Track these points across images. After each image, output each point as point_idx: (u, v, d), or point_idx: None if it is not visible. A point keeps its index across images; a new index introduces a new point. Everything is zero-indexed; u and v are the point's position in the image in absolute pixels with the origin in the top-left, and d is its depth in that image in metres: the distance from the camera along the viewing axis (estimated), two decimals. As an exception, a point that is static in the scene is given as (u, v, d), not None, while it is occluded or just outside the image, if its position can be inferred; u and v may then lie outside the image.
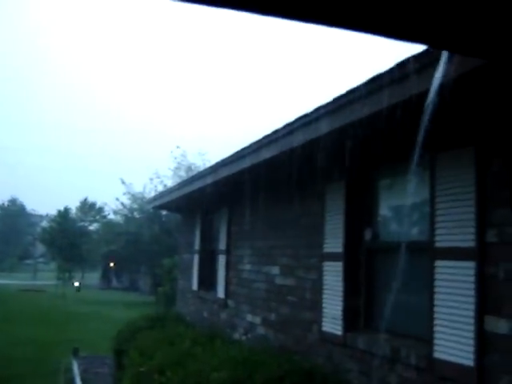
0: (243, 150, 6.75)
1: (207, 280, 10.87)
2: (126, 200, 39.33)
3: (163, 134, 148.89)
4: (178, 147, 34.28)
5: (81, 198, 69.98)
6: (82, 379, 10.51)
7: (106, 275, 54.70)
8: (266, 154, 6.06)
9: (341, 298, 5.48)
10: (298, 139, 5.23)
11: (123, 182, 37.72)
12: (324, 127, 4.71)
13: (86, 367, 11.63)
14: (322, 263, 5.92)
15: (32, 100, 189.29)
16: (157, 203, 13.58)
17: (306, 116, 4.99)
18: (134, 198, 38.15)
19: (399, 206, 5.16)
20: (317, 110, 4.79)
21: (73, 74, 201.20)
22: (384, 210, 5.59)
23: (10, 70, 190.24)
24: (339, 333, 5.40)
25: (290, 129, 5.36)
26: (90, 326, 19.12)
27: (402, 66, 3.49)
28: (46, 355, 13.35)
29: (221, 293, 9.61)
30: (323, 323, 5.74)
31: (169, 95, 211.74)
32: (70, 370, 11.50)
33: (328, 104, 4.55)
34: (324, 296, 5.81)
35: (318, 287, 5.96)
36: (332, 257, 5.73)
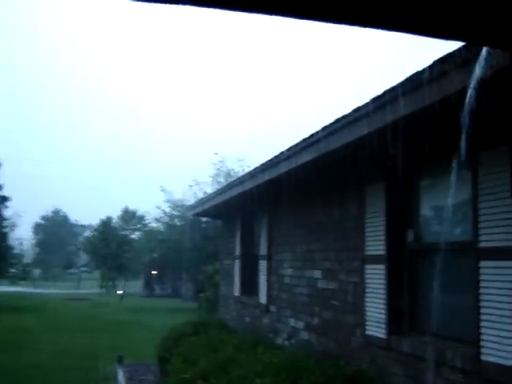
0: (281, 154, 6.73)
1: (249, 285, 10.86)
2: (166, 208, 39.62)
3: (202, 141, 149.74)
4: (216, 154, 34.45)
5: (122, 207, 70.65)
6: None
7: (148, 283, 55.08)
8: (305, 157, 6.02)
9: (384, 301, 5.41)
10: (337, 141, 5.20)
11: (163, 190, 38.03)
12: (363, 128, 4.66)
13: (131, 375, 11.71)
14: (364, 266, 5.86)
15: (69, 112, 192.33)
16: (197, 210, 13.65)
17: (344, 117, 4.96)
18: (174, 205, 38.39)
19: (441, 206, 5.08)
20: (356, 110, 4.75)
21: (108, 84, 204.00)
22: (426, 211, 5.51)
23: (44, 82, 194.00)
24: (383, 336, 5.33)
25: (328, 131, 5.32)
26: (134, 334, 19.28)
27: (441, 62, 3.42)
28: (92, 363, 13.48)
29: (263, 298, 9.59)
30: (367, 327, 5.68)
31: (206, 101, 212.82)
32: (114, 377, 11.61)
33: (367, 104, 4.50)
34: (367, 299, 5.75)
35: (360, 290, 5.90)
36: (374, 259, 5.67)
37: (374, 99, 4.35)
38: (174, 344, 8.93)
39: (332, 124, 5.21)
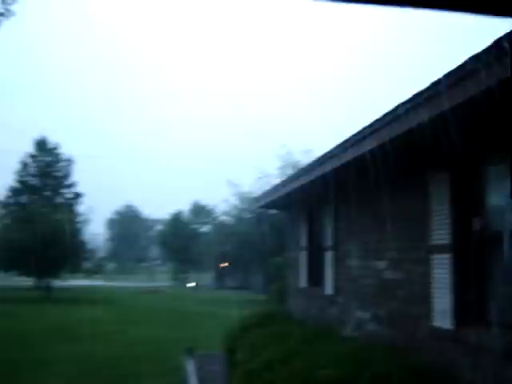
0: (344, 143, 6.65)
1: (315, 276, 10.79)
2: (234, 201, 39.92)
3: (269, 133, 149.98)
4: (283, 146, 34.43)
5: (192, 201, 71.70)
6: (197, 377, 10.72)
7: (219, 275, 55.70)
8: (368, 145, 5.92)
9: (450, 292, 5.27)
10: (399, 129, 5.08)
11: (231, 183, 38.30)
12: (425, 114, 4.53)
13: (201, 365, 11.82)
14: (430, 256, 5.72)
15: (139, 109, 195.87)
16: (262, 202, 13.65)
17: (406, 103, 4.83)
18: (242, 198, 38.63)
19: (508, 193, 4.90)
20: (417, 95, 4.62)
21: (173, 79, 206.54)
22: (492, 199, 5.32)
23: (114, 80, 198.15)
24: (450, 327, 5.19)
25: (390, 118, 5.21)
26: (204, 325, 19.50)
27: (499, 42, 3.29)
28: (162, 354, 13.72)
29: (329, 289, 9.52)
30: (433, 318, 5.55)
31: (273, 93, 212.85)
32: (185, 368, 11.76)
33: (428, 89, 4.37)
34: (433, 290, 5.61)
35: (426, 281, 5.76)
36: (440, 249, 5.52)
37: (433, 84, 4.22)
38: (240, 335, 8.97)
39: (393, 110, 5.09)
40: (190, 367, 11.69)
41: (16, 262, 34.01)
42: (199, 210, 69.73)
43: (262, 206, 15.92)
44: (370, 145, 5.83)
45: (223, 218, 46.89)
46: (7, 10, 15.13)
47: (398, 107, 5.00)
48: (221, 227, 45.73)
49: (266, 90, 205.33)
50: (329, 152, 7.49)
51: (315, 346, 6.13)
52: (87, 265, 37.48)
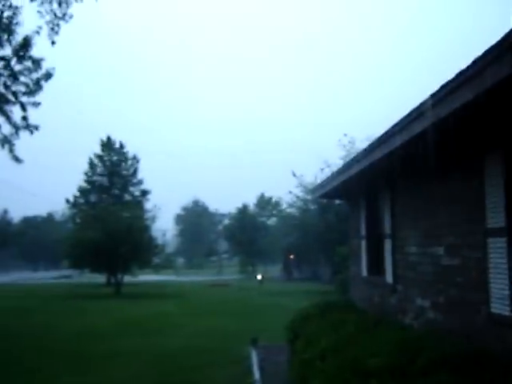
0: (393, 127, 6.48)
1: (375, 265, 10.63)
2: (299, 192, 39.83)
3: (331, 123, 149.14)
4: (345, 135, 34.13)
5: (258, 194, 72.00)
6: (260, 367, 10.73)
7: (286, 267, 55.76)
8: (417, 128, 5.75)
9: (508, 277, 5.06)
10: (446, 109, 4.90)
11: (295, 175, 38.20)
12: (470, 93, 4.35)
13: (265, 356, 11.83)
14: (486, 240, 5.51)
15: (203, 105, 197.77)
16: (321, 192, 13.52)
17: (450, 82, 4.66)
18: (306, 189, 38.49)
19: None
20: (460, 73, 4.44)
21: (240, 75, 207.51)
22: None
23: (180, 78, 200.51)
24: (508, 314, 4.99)
25: (436, 98, 5.04)
26: (271, 316, 19.53)
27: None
28: (228, 345, 13.84)
29: (389, 277, 9.35)
30: (491, 304, 5.34)
31: (334, 81, 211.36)
32: (249, 359, 11.81)
33: (471, 66, 4.18)
34: (490, 275, 5.40)
35: (483, 266, 5.55)
36: (496, 232, 5.31)
37: (477, 59, 4.04)
38: (300, 325, 8.92)
39: (439, 90, 4.90)
40: (254, 358, 11.73)
41: (88, 259, 34.97)
42: (265, 203, 69.94)
43: (321, 196, 15.77)
44: (417, 128, 5.65)
45: (289, 209, 46.87)
46: (64, 13, 15.47)
47: (440, 89, 4.82)
48: (287, 219, 45.71)
49: (330, 81, 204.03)
50: (377, 139, 7.33)
51: (371, 334, 6.01)
52: (156, 260, 38.16)
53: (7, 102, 18.12)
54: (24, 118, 17.91)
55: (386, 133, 6.84)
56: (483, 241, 5.56)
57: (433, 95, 5.14)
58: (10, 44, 17.45)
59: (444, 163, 6.54)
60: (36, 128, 17.92)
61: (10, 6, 17.14)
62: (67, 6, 15.56)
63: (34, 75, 18.09)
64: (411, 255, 8.18)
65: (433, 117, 5.27)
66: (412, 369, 4.39)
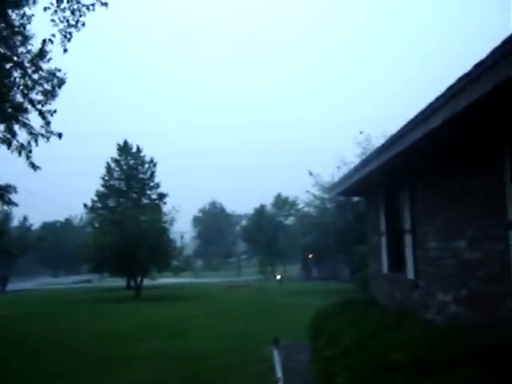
0: (411, 122, 6.46)
1: (396, 261, 10.59)
2: (316, 191, 39.75)
3: (346, 121, 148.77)
4: (361, 132, 34.02)
5: (275, 194, 71.97)
6: (283, 366, 10.74)
7: (305, 266, 55.67)
8: (435, 122, 5.72)
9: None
10: (463, 102, 4.88)
11: (311, 174, 38.12)
12: (487, 85, 4.33)
13: (287, 355, 11.84)
14: (509, 232, 5.48)
15: (217, 106, 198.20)
16: (339, 189, 13.50)
17: (467, 74, 4.64)
18: (323, 188, 38.41)
19: None
20: (478, 65, 4.42)
21: (252, 76, 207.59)
22: None
23: (195, 80, 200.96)
24: (532, 305, 4.97)
25: (453, 92, 5.02)
26: (291, 316, 19.51)
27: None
28: (249, 345, 13.84)
29: (410, 273, 9.32)
30: (514, 296, 5.32)
31: (349, 79, 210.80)
32: (271, 358, 11.81)
33: (487, 58, 4.17)
34: (513, 267, 5.38)
35: (505, 258, 5.53)
36: (517, 224, 5.28)
37: (496, 49, 4.02)
38: (322, 323, 8.91)
39: (455, 83, 4.89)
40: (277, 357, 11.74)
41: (107, 263, 35.15)
42: (282, 203, 69.87)
43: (339, 194, 15.75)
44: (435, 122, 5.62)
45: (306, 209, 46.81)
46: (77, 21, 15.60)
47: (456, 83, 4.80)
48: (304, 218, 45.66)
49: (345, 79, 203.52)
50: (394, 135, 7.31)
51: (394, 330, 6.00)
52: (175, 263, 38.24)
53: (25, 111, 18.29)
54: (46, 125, 18.05)
55: (404, 127, 6.82)
56: (504, 233, 5.53)
57: (450, 88, 5.13)
58: (27, 53, 17.63)
59: (463, 156, 6.52)
60: (59, 136, 18.06)
61: (24, 15, 17.32)
62: (80, 15, 15.68)
63: (50, 83, 18.23)
64: (432, 250, 8.15)
65: (450, 110, 5.26)
66: (437, 362, 4.38)
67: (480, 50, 4.38)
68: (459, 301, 6.99)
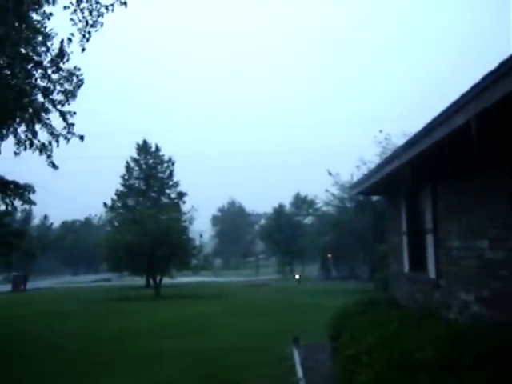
0: (433, 121, 6.43)
1: (417, 261, 10.54)
2: (335, 191, 39.66)
3: (366, 120, 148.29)
4: (380, 131, 33.86)
5: (293, 193, 71.92)
6: (303, 366, 10.76)
7: (324, 266, 55.60)
8: (458, 120, 5.69)
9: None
10: (487, 100, 4.85)
11: (330, 173, 38.04)
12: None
13: (306, 355, 11.87)
14: (532, 231, 5.45)
15: (238, 106, 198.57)
16: (358, 189, 13.46)
17: (492, 73, 4.61)
18: (342, 187, 38.32)
19: None
20: (503, 64, 4.40)
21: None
22: None
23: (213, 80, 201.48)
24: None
25: (477, 89, 4.99)
26: (310, 315, 19.54)
27: None
28: (269, 344, 13.87)
29: (432, 273, 9.27)
30: (539, 296, 5.28)
31: (368, 78, 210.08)
32: (291, 358, 11.83)
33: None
34: (537, 266, 5.34)
35: (529, 257, 5.49)
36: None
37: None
38: (343, 323, 8.90)
39: (480, 81, 4.86)
40: (297, 356, 11.76)
41: (127, 262, 35.36)
42: (301, 202, 69.77)
43: (360, 193, 15.70)
44: (458, 121, 5.59)
45: (325, 208, 46.74)
46: (95, 21, 15.71)
47: (481, 81, 4.76)
48: (323, 218, 45.58)
49: (365, 77, 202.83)
50: (416, 133, 7.27)
51: (416, 329, 5.99)
52: (194, 262, 38.37)
53: (47, 111, 18.43)
54: (69, 127, 18.19)
55: (427, 126, 6.79)
56: (529, 233, 5.49)
57: (474, 87, 5.10)
58: (48, 52, 17.75)
59: (485, 155, 6.47)
60: (81, 138, 18.20)
61: (44, 14, 17.46)
62: (98, 15, 15.80)
63: (70, 83, 18.37)
64: (454, 249, 8.10)
65: (474, 108, 5.23)
66: (461, 362, 4.37)
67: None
68: (481, 301, 6.95)
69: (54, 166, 18.64)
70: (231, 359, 12.31)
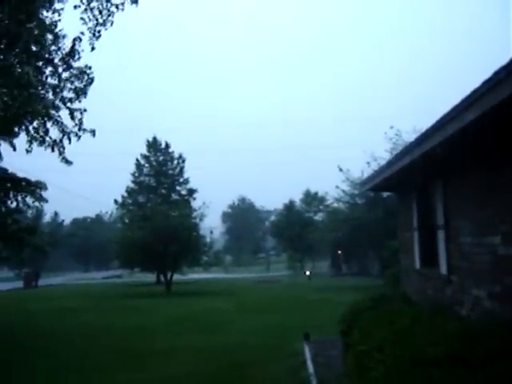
0: (444, 116, 6.41)
1: (429, 257, 10.51)
2: (345, 187, 39.54)
3: (377, 116, 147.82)
4: (391, 127, 33.66)
5: (304, 189, 71.77)
6: (314, 362, 10.78)
7: (335, 262, 55.56)
8: (470, 116, 5.68)
9: None
10: (498, 96, 4.84)
11: (341, 170, 37.92)
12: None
13: (317, 351, 11.89)
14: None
15: (247, 102, 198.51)
16: (370, 185, 13.44)
17: (503, 68, 4.60)
18: (353, 183, 38.20)
19: None
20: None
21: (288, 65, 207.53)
22: None
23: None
24: None
25: (488, 86, 4.98)
26: (321, 311, 19.53)
27: None
28: (280, 341, 13.90)
29: (443, 269, 9.25)
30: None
31: (377, 74, 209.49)
32: (302, 354, 11.85)
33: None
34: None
35: (542, 253, 5.47)
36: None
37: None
38: (354, 318, 8.91)
39: (491, 78, 4.84)
40: (307, 352, 11.78)
41: (138, 258, 35.43)
42: (311, 198, 69.60)
43: (370, 189, 15.67)
44: (470, 116, 5.57)
45: (335, 204, 46.61)
46: (105, 20, 15.73)
47: (492, 78, 4.75)
48: (334, 214, 45.45)
49: (373, 74, 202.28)
50: (427, 129, 7.26)
51: (428, 325, 5.99)
52: (205, 258, 38.41)
53: (57, 108, 18.51)
54: (79, 124, 18.27)
55: (438, 122, 6.77)
56: (541, 228, 5.47)
57: (485, 82, 5.09)
58: (58, 50, 17.82)
59: (498, 150, 6.45)
60: (93, 132, 18.29)
61: (54, 12, 17.52)
62: (109, 14, 15.84)
63: (80, 81, 18.44)
64: (466, 245, 8.08)
65: (485, 104, 5.22)
66: (473, 357, 4.37)
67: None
68: (494, 297, 6.93)
69: (68, 162, 18.71)
70: (245, 355, 12.34)
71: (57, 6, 17.23)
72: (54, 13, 17.37)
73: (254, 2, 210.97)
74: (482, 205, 7.31)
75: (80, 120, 18.26)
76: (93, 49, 16.06)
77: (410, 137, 30.80)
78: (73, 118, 18.38)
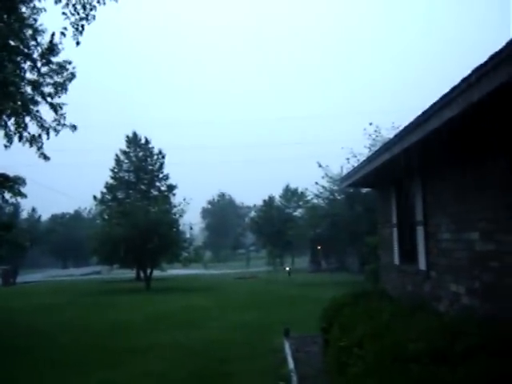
0: (424, 113, 6.44)
1: (408, 253, 10.59)
2: (325, 183, 39.70)
3: (356, 112, 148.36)
4: (370, 124, 33.85)
5: (283, 185, 71.86)
6: (294, 358, 10.80)
7: (314, 258, 55.68)
8: (448, 113, 5.71)
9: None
10: (477, 94, 4.87)
11: (320, 166, 38.08)
12: (503, 75, 4.32)
13: (297, 347, 11.92)
14: (521, 224, 5.48)
15: (227, 99, 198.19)
16: (349, 181, 13.49)
17: (482, 65, 4.63)
18: (332, 180, 38.38)
19: None
20: (494, 56, 4.41)
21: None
22: None
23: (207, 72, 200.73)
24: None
25: (467, 84, 5.01)
26: (301, 307, 19.59)
27: None
28: (259, 337, 13.91)
29: (422, 265, 9.32)
30: (529, 288, 5.32)
31: (358, 71, 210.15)
32: (282, 350, 11.87)
33: (506, 46, 4.15)
34: (527, 258, 5.38)
35: (519, 250, 5.53)
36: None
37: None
38: (334, 314, 8.94)
39: (469, 76, 4.87)
40: (287, 349, 11.81)
41: (117, 255, 35.18)
42: (291, 194, 69.76)
43: (350, 185, 15.74)
44: (449, 114, 5.61)
45: (315, 200, 46.75)
46: (87, 14, 15.63)
47: (470, 75, 4.78)
48: (313, 210, 45.58)
49: (355, 71, 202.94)
50: (406, 126, 7.29)
51: (407, 321, 6.03)
52: (185, 254, 38.30)
53: (36, 103, 18.39)
54: (60, 119, 18.18)
55: (417, 119, 6.81)
56: (518, 225, 5.52)
57: (464, 79, 5.12)
58: (38, 45, 17.71)
59: (476, 147, 6.50)
60: (74, 127, 18.19)
61: (34, 8, 17.40)
62: (91, 9, 15.73)
63: (60, 76, 18.34)
64: (444, 241, 8.14)
65: (464, 102, 5.25)
66: (452, 353, 4.40)
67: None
68: (472, 293, 6.99)
69: (46, 158, 18.61)
70: (224, 351, 12.33)
71: (36, 2, 17.14)
72: (33, 9, 17.27)
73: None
74: (461, 201, 7.37)
75: (61, 115, 18.16)
76: (78, 43, 15.93)
77: (390, 133, 31.03)
78: (55, 111, 18.27)
